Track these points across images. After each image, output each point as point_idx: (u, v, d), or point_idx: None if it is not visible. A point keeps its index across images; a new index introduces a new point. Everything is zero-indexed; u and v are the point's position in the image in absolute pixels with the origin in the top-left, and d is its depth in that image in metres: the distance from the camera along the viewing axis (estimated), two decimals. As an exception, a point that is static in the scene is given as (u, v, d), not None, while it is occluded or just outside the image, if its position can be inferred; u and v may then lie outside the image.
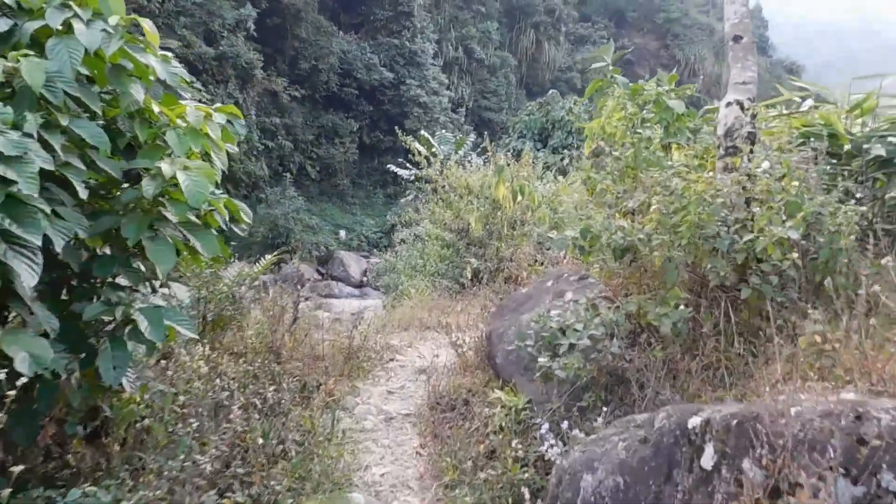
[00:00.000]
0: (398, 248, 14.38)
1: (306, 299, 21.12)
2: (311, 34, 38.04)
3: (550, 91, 19.52)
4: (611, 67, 6.31)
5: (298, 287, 6.61)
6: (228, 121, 4.58)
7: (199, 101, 4.84)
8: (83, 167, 3.22)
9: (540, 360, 3.90)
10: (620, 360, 3.87)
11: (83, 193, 3.12)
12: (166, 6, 30.31)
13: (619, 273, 4.45)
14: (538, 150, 16.56)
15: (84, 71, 3.42)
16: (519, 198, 9.25)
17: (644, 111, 5.40)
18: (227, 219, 4.52)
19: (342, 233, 38.06)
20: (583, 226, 3.96)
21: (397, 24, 41.92)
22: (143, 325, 3.30)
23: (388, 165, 18.37)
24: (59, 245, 3.00)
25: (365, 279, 32.03)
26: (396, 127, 13.26)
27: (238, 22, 32.51)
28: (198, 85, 28.24)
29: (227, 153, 4.45)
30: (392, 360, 6.29)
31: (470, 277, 9.64)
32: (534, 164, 11.59)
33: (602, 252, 4.08)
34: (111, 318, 3.40)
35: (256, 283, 6.74)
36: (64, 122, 3.13)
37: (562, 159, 16.93)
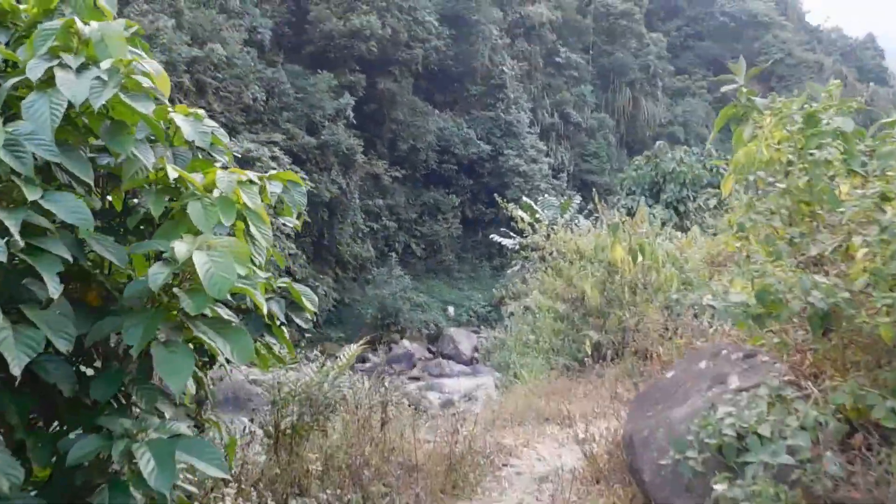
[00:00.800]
0: (507, 323, 13.26)
1: (401, 394, 20.15)
2: (408, 116, 38.57)
3: (658, 143, 18.24)
4: (744, 89, 5.09)
5: (385, 379, 5.58)
6: (285, 188, 3.76)
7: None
8: (62, 254, 2.38)
9: (715, 486, 2.69)
10: (841, 482, 2.59)
11: (54, 291, 2.27)
12: (271, 104, 31.50)
13: (806, 347, 3.18)
14: (650, 205, 15.23)
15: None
16: (639, 258, 8.00)
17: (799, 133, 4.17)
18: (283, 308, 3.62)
19: (450, 309, 37.33)
20: (759, 287, 2.76)
21: (491, 98, 41.97)
22: (147, 466, 2.34)
23: (492, 236, 17.47)
24: (15, 367, 2.13)
25: (476, 355, 30.84)
26: (498, 198, 12.38)
27: (338, 111, 33.34)
28: (302, 173, 28.83)
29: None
30: (505, 464, 5.14)
31: (590, 353, 8.36)
32: (651, 220, 10.34)
33: (787, 320, 2.86)
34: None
35: (344, 377, 5.80)
36: (32, 195, 2.33)
37: (678, 213, 15.49)
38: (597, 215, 13.61)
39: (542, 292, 11.43)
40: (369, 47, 35.17)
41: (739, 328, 3.21)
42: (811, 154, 3.37)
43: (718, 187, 14.67)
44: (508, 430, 5.88)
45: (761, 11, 60.08)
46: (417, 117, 38.83)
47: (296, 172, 20.89)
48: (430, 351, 33.75)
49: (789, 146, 3.52)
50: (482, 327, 35.80)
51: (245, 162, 26.69)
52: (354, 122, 34.41)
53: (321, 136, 31.99)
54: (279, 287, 3.81)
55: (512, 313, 12.50)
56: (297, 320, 3.75)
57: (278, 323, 3.63)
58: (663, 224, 11.35)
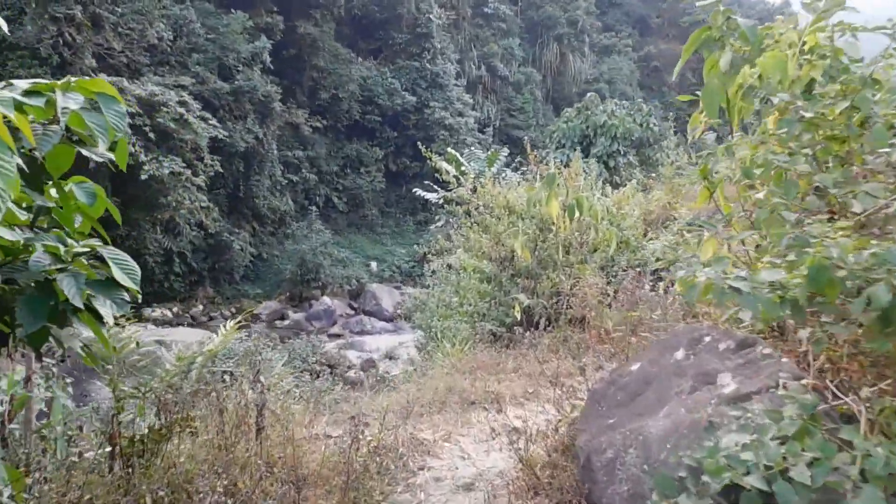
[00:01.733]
0: (428, 282, 12.28)
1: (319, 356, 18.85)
2: (329, 63, 36.56)
3: (589, 94, 17.40)
4: (722, 7, 4.09)
5: (256, 376, 4.45)
6: (91, 103, 2.56)
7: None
8: None
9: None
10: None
11: None
12: (179, 44, 29.02)
13: (849, 344, 2.24)
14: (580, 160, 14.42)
15: None
16: (576, 215, 7.07)
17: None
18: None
19: (373, 264, 36.17)
20: (814, 262, 1.77)
21: (416, 47, 40.27)
22: None
23: (415, 189, 16.36)
24: None
25: (399, 312, 29.90)
26: (423, 147, 11.20)
27: (253, 55, 31.11)
28: (213, 121, 26.77)
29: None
30: (422, 467, 4.14)
31: (520, 319, 7.44)
32: (586, 172, 9.46)
33: (833, 309, 1.92)
34: None
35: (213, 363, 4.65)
36: None
37: (608, 168, 14.73)
38: (525, 169, 12.66)
39: (466, 250, 10.47)
40: (287, -13, 32.89)
41: (764, 319, 2.25)
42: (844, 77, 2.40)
43: (647, 144, 13.75)
44: (426, 418, 4.88)
45: (687, -30, 59.93)
46: (340, 65, 36.86)
47: (207, 120, 18.97)
48: (351, 307, 32.59)
49: (810, 62, 2.53)
50: (405, 284, 34.92)
51: (149, 106, 24.47)
52: (272, 67, 32.25)
53: (235, 82, 29.80)
54: (79, 253, 2.62)
55: (434, 271, 11.50)
56: (100, 306, 2.57)
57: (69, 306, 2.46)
58: (598, 179, 10.52)
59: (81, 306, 2.49)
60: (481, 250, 8.85)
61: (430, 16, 40.59)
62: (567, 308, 6.98)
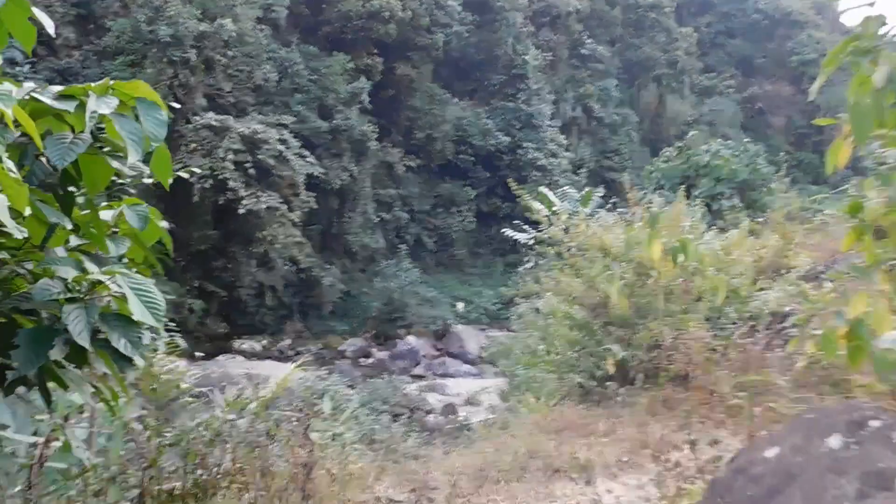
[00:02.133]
0: (514, 326, 11.65)
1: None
2: (425, 103, 36.96)
3: (691, 133, 16.50)
4: (873, 14, 3.38)
5: (306, 433, 3.96)
6: (129, 108, 2.19)
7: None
8: None
9: None
10: None
11: None
12: (283, 85, 30.02)
13: None
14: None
15: None
16: (679, 259, 6.35)
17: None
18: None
19: (460, 305, 35.71)
20: None
21: (512, 88, 40.20)
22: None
23: (504, 230, 15.85)
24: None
25: (483, 355, 29.17)
26: (513, 183, 10.73)
27: (352, 95, 31.82)
28: (311, 158, 27.32)
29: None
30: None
31: (612, 373, 6.72)
32: (690, 214, 8.67)
33: None
34: None
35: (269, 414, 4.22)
36: None
37: (711, 211, 13.75)
38: (622, 210, 11.91)
39: (556, 294, 9.81)
40: (388, 30, 33.57)
41: None
42: None
43: (753, 187, 12.69)
44: (503, 487, 4.26)
45: (796, 9, 57.55)
46: (435, 105, 37.20)
47: (305, 157, 19.29)
48: (436, 348, 32.15)
49: None
50: (491, 326, 34.22)
51: (251, 143, 25.24)
52: (369, 107, 32.86)
53: (333, 121, 30.49)
54: (96, 282, 2.22)
55: (520, 315, 10.87)
56: (116, 343, 2.15)
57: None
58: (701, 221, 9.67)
59: (88, 345, 2.08)
60: (572, 295, 8.19)
61: (527, 57, 40.52)
62: (668, 363, 6.21)
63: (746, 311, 7.10)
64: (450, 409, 20.06)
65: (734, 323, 6.78)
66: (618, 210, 12.68)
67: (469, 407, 20.01)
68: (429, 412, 19.34)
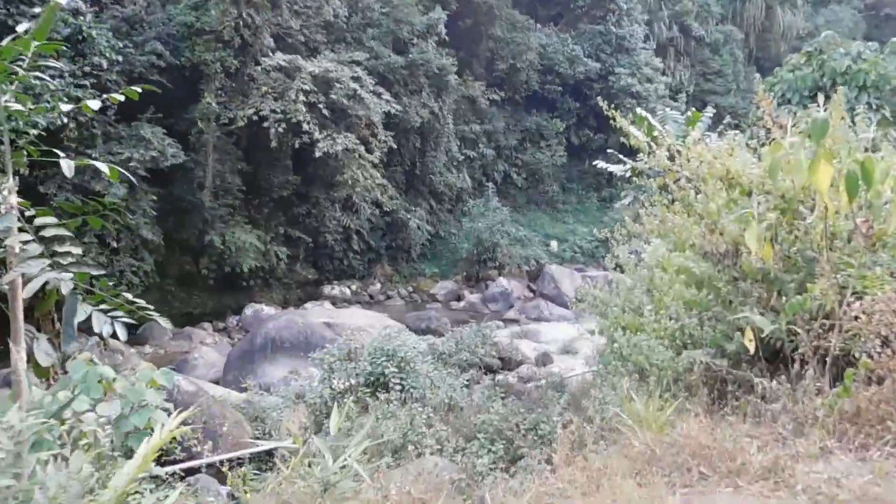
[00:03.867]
0: (611, 277, 9.59)
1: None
2: (507, 32, 34.10)
3: (825, 34, 13.45)
4: None
5: None
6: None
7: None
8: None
9: None
10: None
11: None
12: (354, 20, 28.08)
13: None
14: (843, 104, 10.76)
15: None
16: (860, 189, 4.13)
17: None
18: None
19: (553, 244, 33.55)
20: None
21: (600, 9, 36.55)
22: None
23: (596, 162, 13.59)
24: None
25: (575, 307, 27.08)
26: (604, 104, 8.49)
27: (428, 27, 29.50)
28: (387, 96, 25.49)
29: None
30: None
31: (752, 352, 4.66)
32: (851, 125, 6.28)
33: None
34: None
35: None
36: None
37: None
38: (733, 132, 9.38)
39: (662, 236, 7.69)
40: (463, -46, 30.82)
41: None
42: None
43: None
44: None
45: None
46: (517, 33, 34.23)
47: (381, 95, 17.51)
48: (529, 289, 30.31)
49: None
50: (588, 265, 31.94)
51: (324, 83, 23.63)
52: (447, 39, 30.44)
53: (409, 55, 28.36)
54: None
55: (618, 265, 8.81)
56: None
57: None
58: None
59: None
60: (687, 240, 6.08)
61: (616, -26, 36.66)
62: (839, 340, 4.10)
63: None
64: (545, 359, 18.30)
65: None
66: (732, 134, 10.08)
67: (565, 357, 18.19)
68: (521, 363, 17.63)
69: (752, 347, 4.68)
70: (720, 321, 5.60)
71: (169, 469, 9.20)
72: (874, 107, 11.39)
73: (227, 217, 23.87)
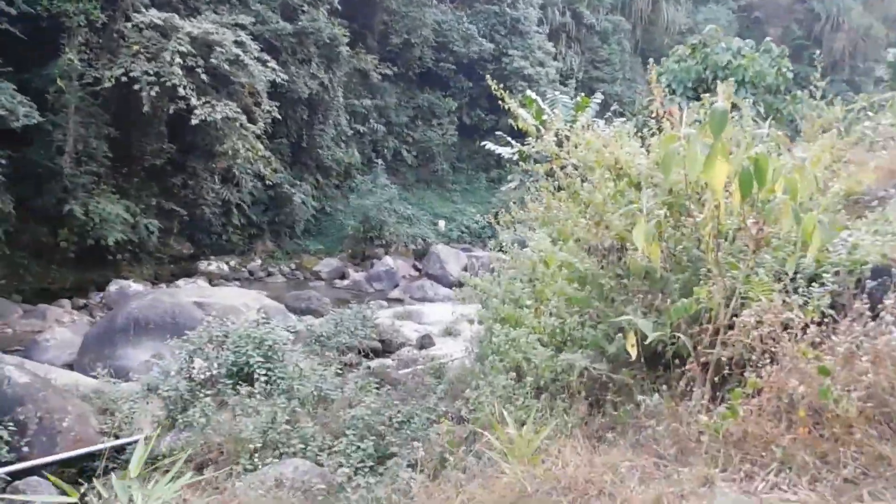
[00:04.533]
0: (492, 266, 9.21)
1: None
2: (402, 5, 33.14)
3: (709, 27, 13.62)
4: None
5: None
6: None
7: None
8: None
9: None
10: None
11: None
12: (240, -21, 26.23)
13: None
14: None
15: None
16: (753, 187, 3.81)
17: None
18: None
19: (441, 223, 33.25)
20: None
21: (497, -11, 36.31)
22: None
23: (484, 143, 13.16)
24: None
25: (466, 276, 26.84)
26: (492, 82, 7.95)
27: (319, -6, 28.07)
28: (273, 64, 24.03)
29: None
30: None
31: (635, 356, 4.29)
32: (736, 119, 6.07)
33: None
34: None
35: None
36: None
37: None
38: (620, 120, 9.15)
39: (545, 224, 7.32)
40: (358, -80, 29.51)
41: None
42: None
43: (775, 91, 9.71)
44: None
45: None
46: (413, 7, 33.35)
47: (266, 62, 16.18)
48: (415, 268, 29.88)
49: None
50: (474, 245, 31.89)
51: (203, 45, 21.89)
52: (339, 8, 29.14)
53: (299, 23, 26.88)
54: None
55: (502, 250, 8.40)
56: None
57: None
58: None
59: None
60: (573, 233, 5.67)
61: (512, -45, 36.48)
62: (727, 349, 3.78)
63: (828, 264, 4.63)
64: (426, 341, 17.87)
65: (823, 284, 4.32)
66: (619, 121, 9.86)
67: (448, 339, 17.83)
68: (402, 345, 17.12)
69: (633, 353, 4.31)
70: (602, 320, 5.24)
71: (-15, 473, 8.02)
72: (753, 102, 11.56)
73: (90, 185, 21.76)
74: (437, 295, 24.53)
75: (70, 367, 15.79)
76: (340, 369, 11.94)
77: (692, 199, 4.67)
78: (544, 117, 11.66)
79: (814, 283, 4.47)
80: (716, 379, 3.90)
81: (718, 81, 12.51)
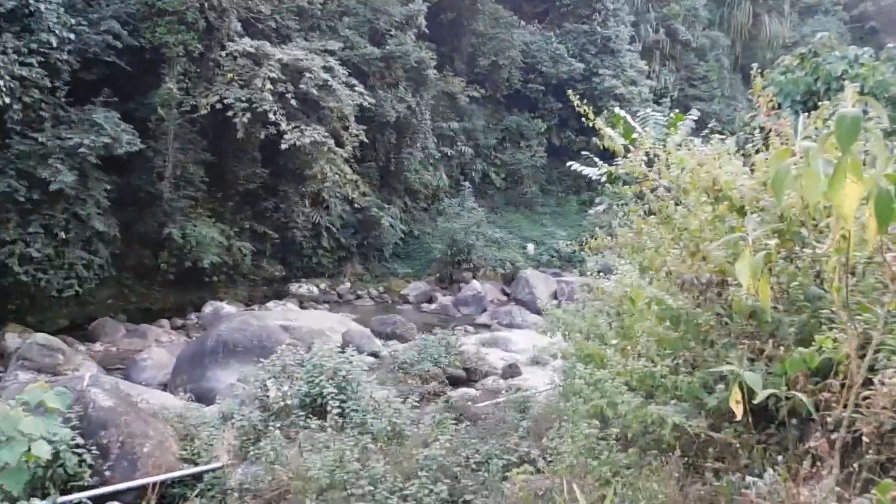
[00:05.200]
0: (577, 296, 8.55)
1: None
2: (490, 27, 32.95)
3: (820, 35, 12.51)
4: None
5: None
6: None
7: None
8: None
9: None
10: None
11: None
12: (329, 7, 26.78)
13: None
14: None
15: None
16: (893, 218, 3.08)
17: None
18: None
19: (530, 246, 32.50)
20: None
21: (586, 8, 35.49)
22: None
23: (570, 163, 12.46)
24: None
25: (555, 302, 25.89)
26: (575, 99, 7.37)
27: (407, 19, 28.27)
28: (360, 88, 24.26)
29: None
30: None
31: (742, 414, 3.55)
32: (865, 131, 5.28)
33: None
34: None
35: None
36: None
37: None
38: (719, 137, 8.31)
39: (633, 259, 6.62)
40: (446, -55, 29.62)
41: None
42: None
43: None
44: None
45: None
46: (500, 29, 33.10)
47: (354, 87, 16.32)
48: (503, 293, 29.23)
49: None
50: (565, 269, 30.93)
51: (293, 71, 22.36)
52: (426, 32, 29.24)
53: (386, 47, 27.11)
54: None
55: (586, 284, 7.74)
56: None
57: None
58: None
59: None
60: (662, 266, 4.99)
61: (603, -27, 35.65)
62: (867, 422, 3.02)
63: None
64: (513, 371, 17.15)
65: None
66: (719, 139, 9.00)
67: (535, 369, 17.09)
68: (487, 374, 16.49)
69: (739, 411, 3.58)
70: (699, 366, 4.51)
71: (72, 498, 8.01)
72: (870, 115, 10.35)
73: (188, 210, 22.53)
74: (524, 321, 23.78)
75: (164, 386, 16.17)
76: (418, 401, 11.48)
77: (808, 226, 3.91)
78: (634, 135, 10.91)
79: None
80: (839, 445, 3.13)
81: (832, 94, 11.40)
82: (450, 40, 31.91)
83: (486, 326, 23.97)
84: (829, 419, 3.31)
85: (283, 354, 9.14)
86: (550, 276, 28.54)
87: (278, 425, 8.24)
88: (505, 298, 28.60)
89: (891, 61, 11.94)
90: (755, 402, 3.55)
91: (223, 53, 21.33)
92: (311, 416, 8.35)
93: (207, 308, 22.22)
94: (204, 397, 14.07)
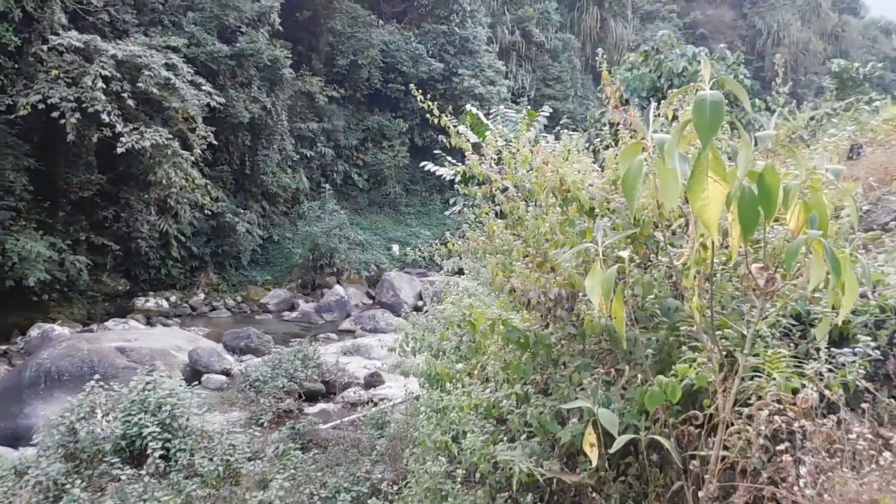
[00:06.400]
0: (426, 309, 7.87)
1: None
2: (348, 26, 31.90)
3: (661, 32, 12.65)
4: None
5: None
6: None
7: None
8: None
9: None
10: None
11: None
12: (172, 2, 24.66)
13: None
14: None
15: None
16: (759, 220, 2.55)
17: None
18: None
19: (395, 247, 31.79)
20: None
21: (444, 9, 35.33)
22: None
23: (423, 163, 11.85)
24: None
25: (420, 303, 25.30)
26: (416, 91, 6.63)
27: (259, 16, 26.61)
28: (208, 87, 22.46)
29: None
30: None
31: (595, 461, 2.91)
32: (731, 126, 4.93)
33: None
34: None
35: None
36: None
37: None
38: (569, 132, 7.87)
39: (475, 270, 5.99)
40: (299, -61, 28.24)
41: None
42: None
43: (733, 103, 8.37)
44: None
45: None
46: (359, 28, 32.15)
47: (200, 86, 14.56)
48: (369, 296, 28.31)
49: None
50: (431, 269, 30.46)
51: (129, 69, 20.24)
52: (281, 30, 27.72)
53: (237, 44, 25.36)
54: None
55: (435, 294, 7.06)
56: None
57: None
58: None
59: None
60: (505, 277, 4.32)
61: (459, -26, 35.62)
62: (735, 458, 2.46)
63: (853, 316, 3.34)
64: (375, 380, 16.29)
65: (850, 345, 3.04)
66: (569, 134, 8.55)
67: (398, 376, 16.29)
68: (348, 386, 15.51)
69: (594, 457, 2.94)
70: (551, 391, 3.87)
71: None
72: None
73: (7, 222, 19.81)
74: (389, 325, 22.93)
75: (-27, 426, 13.87)
76: (271, 421, 10.36)
77: (663, 229, 3.35)
78: (488, 133, 10.41)
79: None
80: (707, 481, 2.55)
81: (675, 90, 11.50)
82: (306, 39, 30.53)
83: (351, 332, 22.95)
84: (693, 463, 2.72)
85: (93, 392, 7.74)
86: (416, 277, 27.97)
87: (87, 476, 6.91)
88: (370, 302, 27.71)
89: (723, 60, 12.25)
90: (611, 450, 2.92)
91: (45, 48, 18.86)
92: (127, 461, 7.08)
93: (34, 331, 19.61)
94: (22, 437, 12.08)
